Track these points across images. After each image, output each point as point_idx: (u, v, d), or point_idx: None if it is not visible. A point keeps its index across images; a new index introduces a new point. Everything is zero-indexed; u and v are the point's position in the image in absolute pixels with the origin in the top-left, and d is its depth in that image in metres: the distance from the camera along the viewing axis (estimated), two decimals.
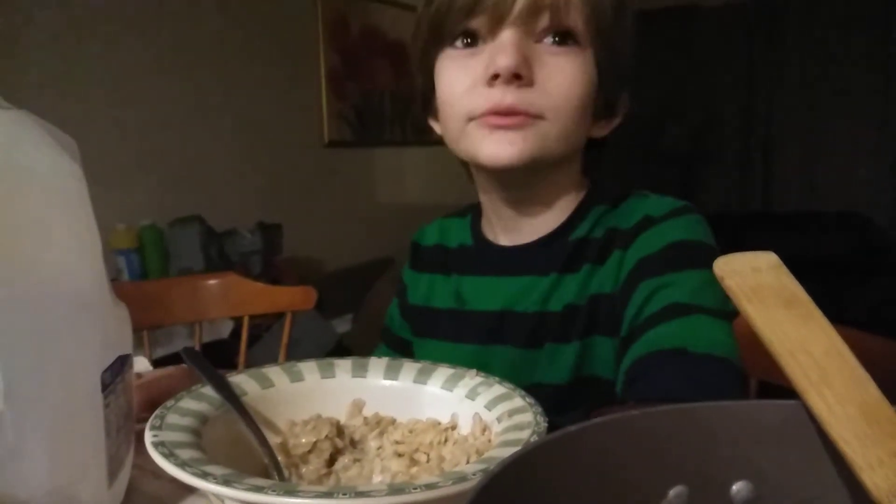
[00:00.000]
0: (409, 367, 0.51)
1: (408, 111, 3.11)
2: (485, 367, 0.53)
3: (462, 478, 0.33)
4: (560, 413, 0.47)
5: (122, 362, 0.43)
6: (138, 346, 0.58)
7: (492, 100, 0.58)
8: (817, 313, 0.28)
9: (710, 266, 0.56)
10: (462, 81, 0.61)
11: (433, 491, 0.32)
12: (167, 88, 2.35)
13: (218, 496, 0.34)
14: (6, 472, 0.37)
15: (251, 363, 0.87)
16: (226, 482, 0.32)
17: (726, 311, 0.56)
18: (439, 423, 0.46)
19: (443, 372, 0.50)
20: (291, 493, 0.31)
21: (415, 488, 0.32)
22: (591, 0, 0.58)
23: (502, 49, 0.57)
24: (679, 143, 3.67)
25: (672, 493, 0.28)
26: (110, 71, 2.19)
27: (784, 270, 0.30)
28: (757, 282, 0.30)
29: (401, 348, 0.79)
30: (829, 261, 2.50)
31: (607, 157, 0.69)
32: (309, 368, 0.50)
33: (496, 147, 0.59)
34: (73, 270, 0.40)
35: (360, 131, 3.06)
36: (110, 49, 2.19)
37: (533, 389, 0.47)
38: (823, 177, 3.38)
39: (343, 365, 0.51)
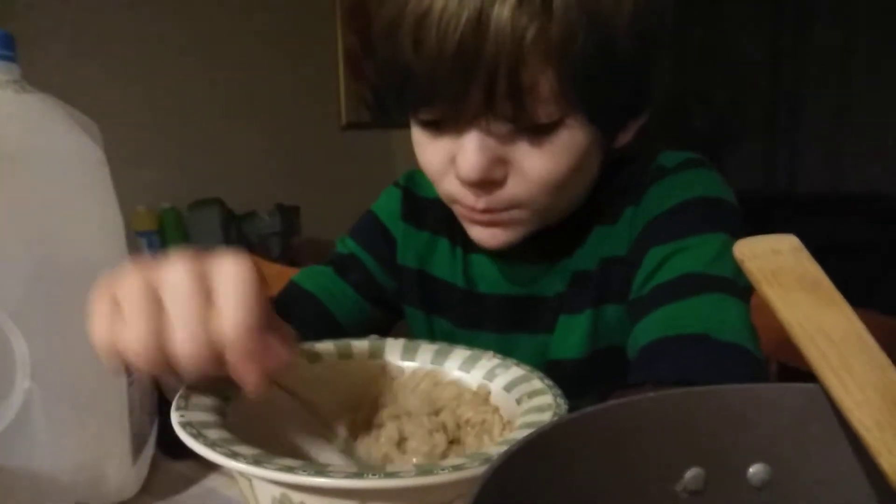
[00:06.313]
0: (426, 349, 0.51)
1: None
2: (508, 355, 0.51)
3: (488, 459, 0.33)
4: (579, 391, 0.45)
5: None
6: None
7: (466, 201, 0.53)
8: (838, 297, 0.28)
9: (729, 227, 0.55)
10: (433, 163, 0.54)
11: (461, 472, 0.32)
12: (186, 72, 2.36)
13: (247, 476, 0.34)
14: (34, 448, 0.38)
15: None
16: (256, 462, 0.33)
17: (746, 287, 0.52)
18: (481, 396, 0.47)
19: (460, 353, 0.50)
20: (321, 473, 0.32)
21: (442, 469, 0.32)
22: (560, 55, 0.46)
23: (464, 156, 0.50)
24: (703, 124, 3.62)
25: (688, 474, 0.28)
26: (130, 54, 2.20)
27: (805, 253, 0.30)
28: (777, 265, 0.30)
29: (372, 296, 0.69)
30: (857, 244, 2.46)
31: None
32: (327, 351, 0.51)
33: (480, 236, 0.56)
34: (97, 251, 0.40)
35: (378, 113, 3.05)
36: (130, 33, 2.20)
37: (547, 367, 0.46)
38: (850, 159, 3.32)
39: (360, 346, 0.51)
